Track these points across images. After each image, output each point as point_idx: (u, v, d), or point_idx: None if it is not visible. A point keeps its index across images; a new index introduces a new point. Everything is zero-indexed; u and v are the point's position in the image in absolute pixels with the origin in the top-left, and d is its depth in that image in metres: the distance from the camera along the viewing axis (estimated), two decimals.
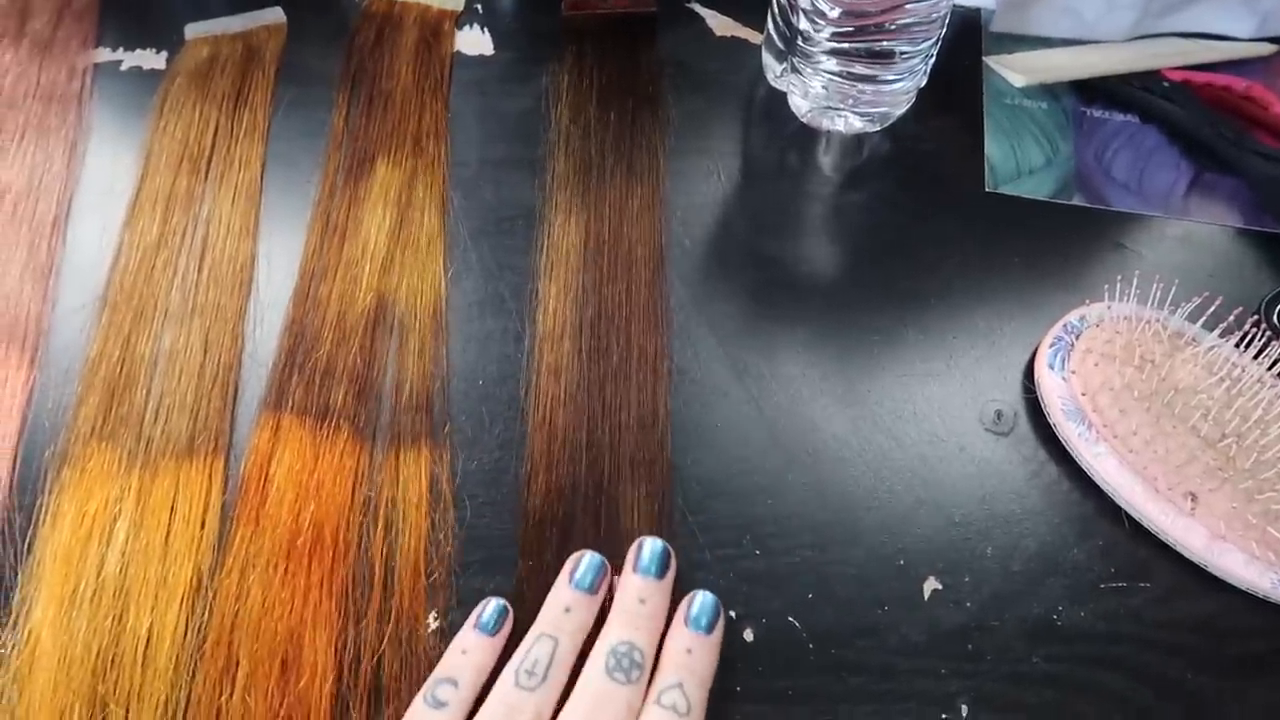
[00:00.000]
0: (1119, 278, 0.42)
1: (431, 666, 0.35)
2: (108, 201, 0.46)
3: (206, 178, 0.47)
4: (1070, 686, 0.36)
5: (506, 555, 0.38)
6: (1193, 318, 0.41)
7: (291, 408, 0.40)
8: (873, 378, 0.43)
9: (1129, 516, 0.39)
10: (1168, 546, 0.39)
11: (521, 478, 0.40)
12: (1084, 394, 0.40)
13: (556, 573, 0.36)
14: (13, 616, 0.36)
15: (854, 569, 0.38)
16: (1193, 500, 0.38)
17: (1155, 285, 0.42)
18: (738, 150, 0.50)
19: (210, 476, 0.39)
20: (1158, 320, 0.41)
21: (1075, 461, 0.41)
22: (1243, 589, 0.38)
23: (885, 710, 0.36)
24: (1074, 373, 0.41)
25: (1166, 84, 0.51)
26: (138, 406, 0.40)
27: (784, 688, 0.36)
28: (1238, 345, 0.40)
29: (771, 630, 0.37)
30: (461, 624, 0.36)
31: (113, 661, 0.35)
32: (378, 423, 0.41)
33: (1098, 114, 0.51)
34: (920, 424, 0.42)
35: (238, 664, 0.35)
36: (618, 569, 0.36)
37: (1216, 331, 0.41)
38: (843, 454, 0.41)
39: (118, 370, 0.41)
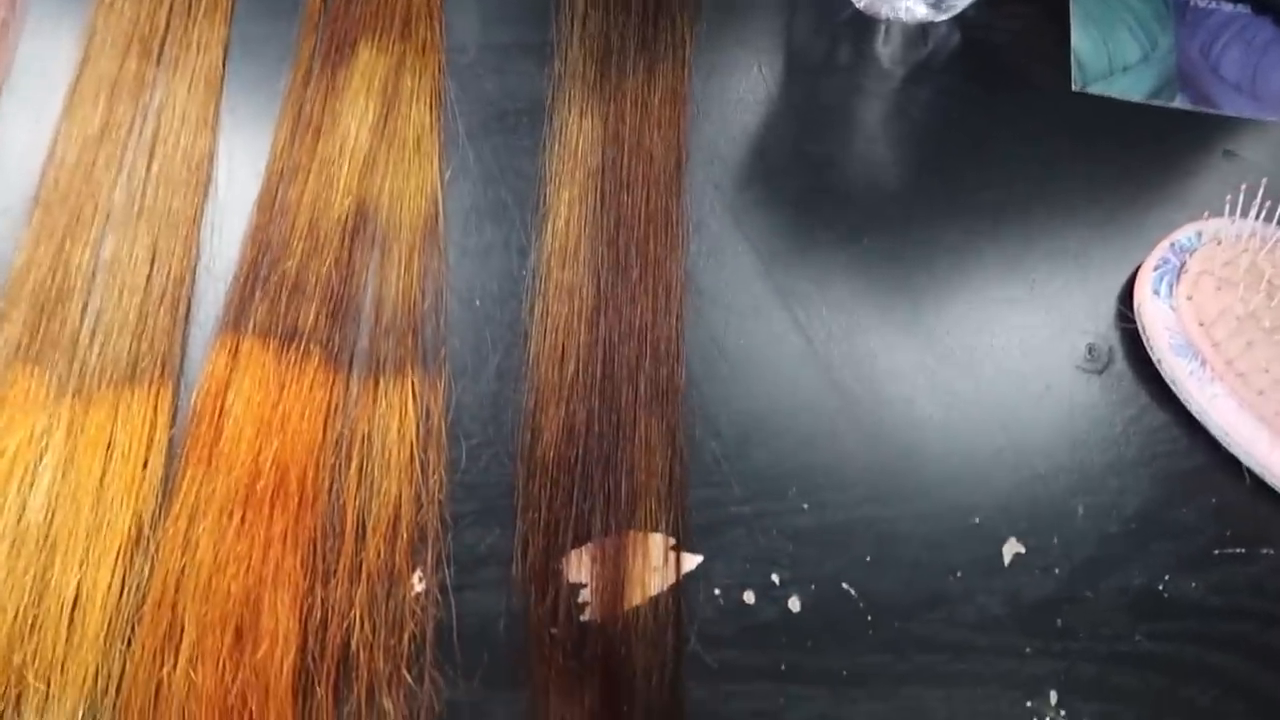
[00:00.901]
0: (1239, 189, 0.36)
1: (415, 634, 0.29)
2: (43, 89, 0.40)
3: (159, 62, 0.40)
4: (1178, 670, 0.31)
5: (504, 506, 0.32)
6: None
7: (253, 328, 0.34)
8: (942, 304, 0.37)
9: (1250, 471, 0.33)
10: None
11: (524, 414, 0.34)
12: (1199, 324, 0.34)
13: (561, 529, 0.30)
14: None
15: (921, 528, 0.32)
16: None
17: None
18: (782, 41, 0.43)
19: (155, 408, 0.33)
20: None
21: (1184, 405, 0.35)
22: None
23: (957, 695, 0.30)
24: (1188, 299, 0.34)
25: None
26: (71, 325, 0.34)
27: (837, 667, 0.30)
28: None
29: (822, 599, 0.31)
30: (452, 586, 0.30)
31: (33, 625, 0.30)
32: (355, 347, 0.35)
33: (1203, 3, 0.44)
34: (999, 359, 0.36)
35: (182, 630, 0.29)
36: (630, 521, 0.30)
37: None
38: (907, 393, 0.35)
39: (49, 282, 0.35)
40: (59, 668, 0.29)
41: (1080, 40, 0.43)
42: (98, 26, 0.41)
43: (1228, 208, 0.35)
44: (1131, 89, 0.42)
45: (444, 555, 0.31)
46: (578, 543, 0.31)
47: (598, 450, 0.33)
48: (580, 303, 0.36)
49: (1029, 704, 0.30)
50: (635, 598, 0.30)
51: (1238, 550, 0.32)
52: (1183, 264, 0.36)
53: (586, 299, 0.36)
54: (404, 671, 0.29)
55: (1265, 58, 0.43)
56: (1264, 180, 0.35)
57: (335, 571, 0.31)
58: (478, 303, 0.36)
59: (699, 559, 0.31)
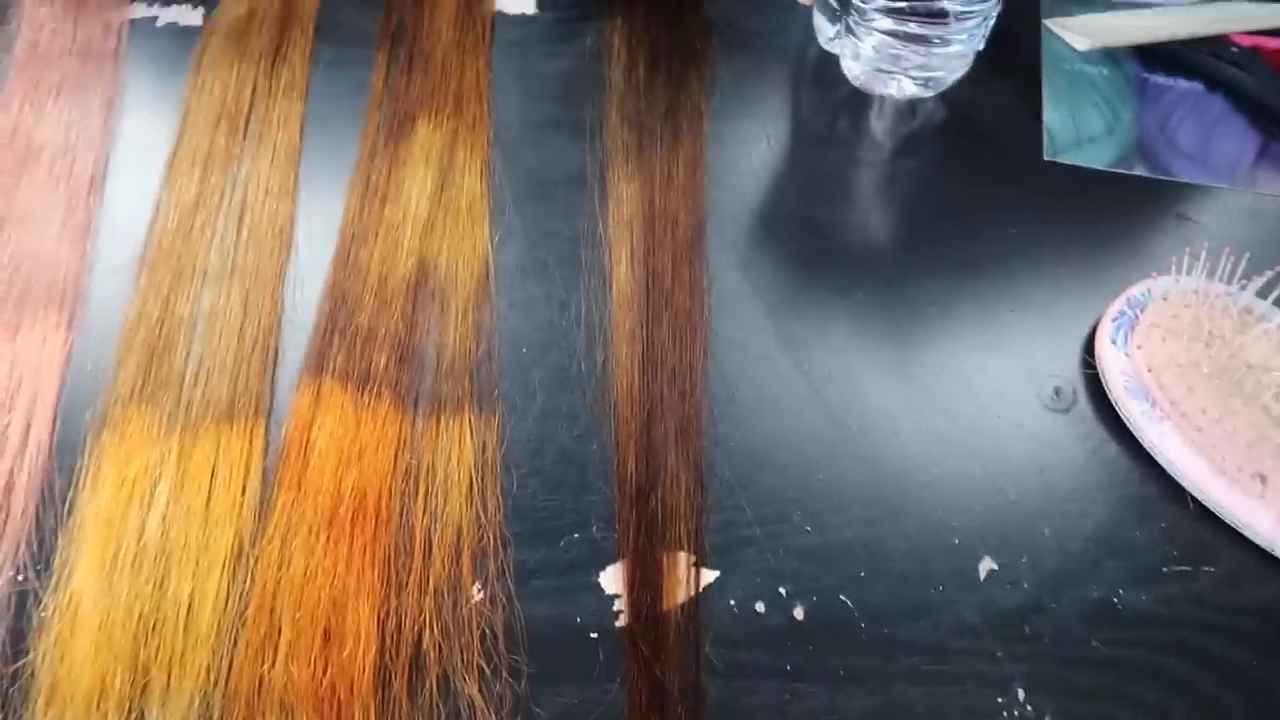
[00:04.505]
0: (1186, 251, 0.41)
1: (475, 638, 0.35)
2: (145, 160, 0.46)
3: (245, 137, 0.46)
4: (1130, 671, 0.35)
5: (550, 527, 0.37)
6: (1263, 293, 0.40)
7: (333, 372, 0.40)
8: (926, 350, 0.42)
9: (1193, 498, 0.38)
10: (1233, 530, 0.38)
11: (569, 447, 0.39)
12: (1149, 370, 0.39)
13: (601, 548, 0.35)
14: (54, 579, 0.35)
15: (907, 546, 0.37)
16: (1262, 481, 0.37)
17: (1225, 259, 0.40)
18: (787, 114, 0.48)
19: (251, 441, 0.38)
20: (1227, 295, 0.40)
21: (1137, 440, 0.39)
22: None
23: (939, 692, 0.35)
24: (1139, 348, 0.40)
25: (1235, 49, 0.49)
26: (177, 369, 0.40)
27: (835, 667, 0.35)
28: None
29: (823, 608, 0.36)
30: (507, 596, 0.36)
31: (154, 627, 0.35)
32: (420, 389, 0.40)
33: (1161, 80, 0.49)
34: (976, 399, 0.41)
35: (280, 632, 0.34)
36: (660, 543, 0.35)
37: None
38: (895, 428, 0.40)
39: (156, 332, 0.40)
40: (177, 662, 0.34)
41: (1051, 114, 0.48)
42: (190, 105, 0.47)
43: (1173, 267, 0.41)
44: (1096, 158, 0.47)
45: (500, 569, 0.36)
46: (614, 560, 0.37)
47: (634, 480, 0.38)
48: (630, 347, 0.41)
49: (999, 700, 0.35)
50: (663, 607, 0.36)
51: (1183, 568, 0.37)
52: (1136, 317, 0.41)
53: (636, 344, 0.41)
54: (472, 662, 0.34)
55: (1215, 130, 0.48)
56: (1205, 244, 0.41)
57: (407, 584, 0.36)
58: (524, 350, 0.41)
59: (716, 574, 0.37)
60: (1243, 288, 0.40)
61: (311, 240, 0.44)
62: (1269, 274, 0.40)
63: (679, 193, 0.45)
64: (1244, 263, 0.40)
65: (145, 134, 0.47)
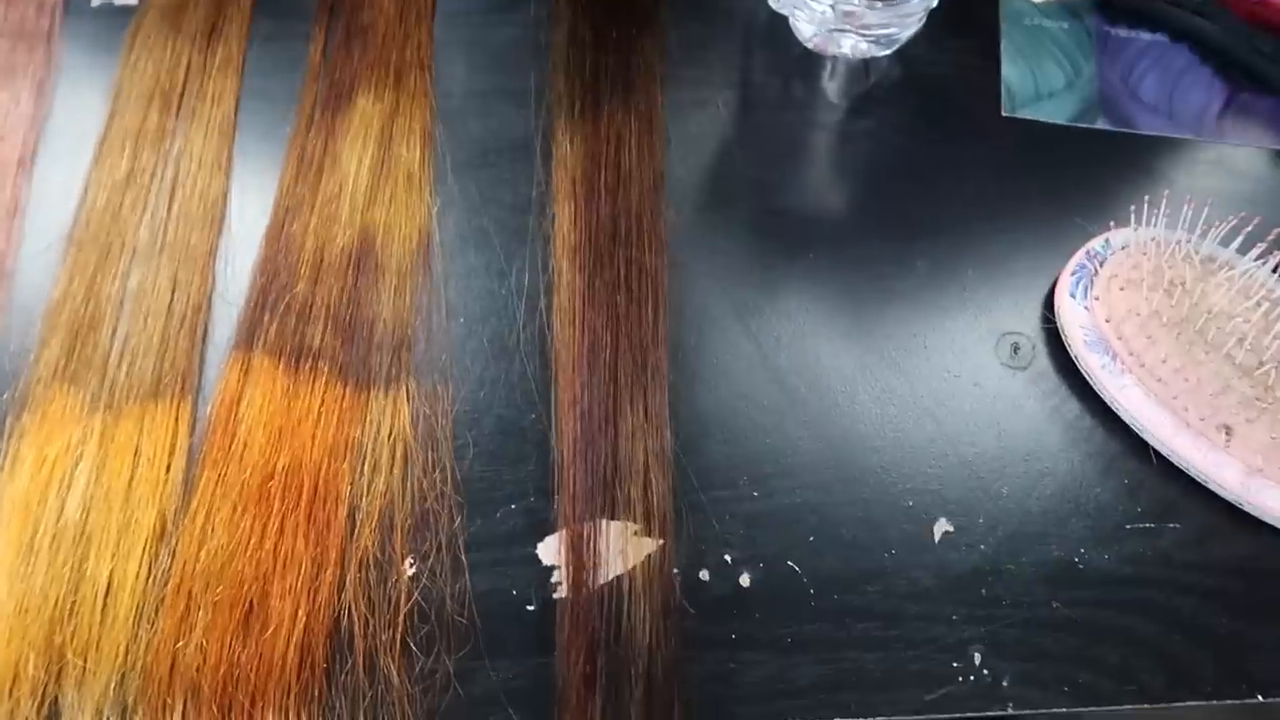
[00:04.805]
0: (1146, 199, 0.39)
1: (406, 613, 0.33)
2: (77, 141, 0.44)
3: (178, 114, 0.45)
4: (1094, 633, 0.34)
5: (487, 498, 0.36)
6: (1225, 243, 0.38)
7: (263, 347, 0.38)
8: (881, 311, 0.40)
9: (1157, 453, 0.37)
10: (1199, 485, 0.36)
11: (510, 418, 0.38)
12: (1107, 321, 0.37)
13: (539, 518, 0.34)
14: None
15: (859, 511, 0.36)
16: (1227, 433, 0.36)
17: (1186, 208, 0.39)
18: (738, 78, 0.47)
19: (176, 419, 0.37)
20: (1188, 243, 0.38)
21: (1098, 396, 0.38)
22: None
23: (892, 658, 0.33)
24: (1097, 299, 0.38)
25: None
26: (102, 348, 0.39)
27: (783, 634, 0.34)
28: (1275, 269, 0.37)
29: (770, 575, 0.35)
30: (441, 570, 0.34)
31: (71, 610, 0.33)
32: (357, 362, 0.39)
33: (1123, 33, 0.48)
34: (932, 358, 0.39)
35: (197, 610, 0.33)
36: (600, 510, 0.34)
37: (1253, 254, 0.38)
38: (848, 390, 0.38)
39: (82, 311, 0.39)
40: (94, 647, 0.33)
41: (1010, 70, 0.47)
42: (123, 83, 0.46)
43: (1133, 218, 0.39)
44: (1057, 113, 0.46)
45: (436, 542, 0.35)
46: (552, 531, 0.35)
47: (575, 449, 0.36)
48: (572, 315, 0.39)
49: (955, 664, 0.33)
50: (603, 577, 0.34)
51: (1147, 525, 0.36)
52: (1096, 270, 0.39)
53: (580, 312, 0.39)
54: (400, 641, 0.33)
55: (1181, 81, 0.47)
56: (1165, 192, 0.39)
57: (338, 560, 0.35)
58: (462, 320, 0.40)
59: (659, 542, 0.35)
60: (1205, 236, 0.38)
61: (245, 216, 0.42)
62: (1231, 221, 0.38)
63: (632, 154, 0.44)
64: (1207, 212, 0.38)
65: (78, 115, 0.45)
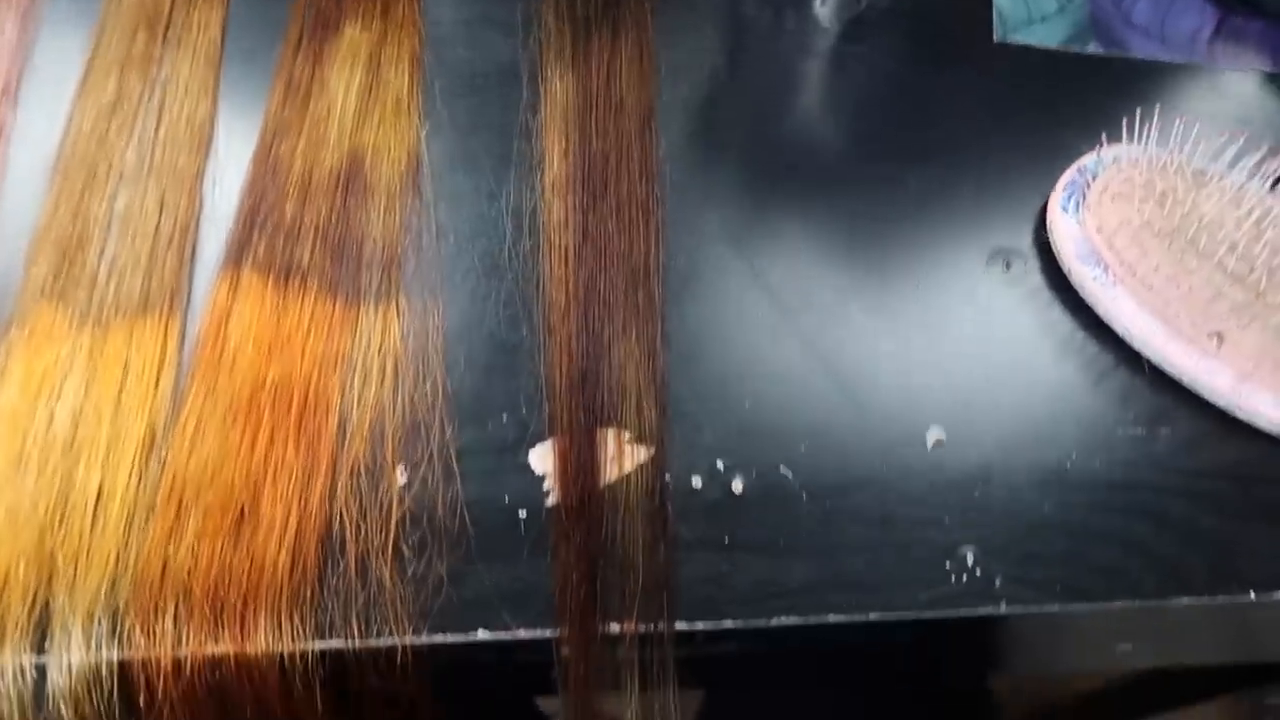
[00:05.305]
0: (1139, 112, 0.39)
1: (397, 520, 0.33)
2: (62, 69, 0.44)
3: (164, 41, 0.44)
4: (1085, 535, 0.34)
5: (478, 410, 0.36)
6: (1216, 159, 0.38)
7: (252, 264, 0.38)
8: (873, 230, 0.40)
9: (1149, 362, 0.37)
10: (1190, 392, 0.36)
11: (502, 332, 0.37)
12: (1099, 231, 0.37)
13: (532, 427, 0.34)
14: None
15: (851, 420, 0.36)
16: (1219, 340, 0.36)
17: (1177, 124, 0.39)
18: (729, 5, 0.47)
19: (165, 334, 0.37)
20: (1180, 157, 0.38)
21: (1091, 309, 0.38)
22: (1271, 432, 0.35)
23: (884, 560, 0.33)
24: (1089, 211, 0.38)
25: None
26: (90, 267, 0.38)
27: (775, 538, 0.34)
28: (1266, 181, 0.37)
29: (763, 481, 0.35)
30: (432, 478, 0.34)
31: (62, 518, 0.33)
32: (346, 279, 0.38)
33: None
34: (925, 275, 0.39)
35: (189, 515, 0.33)
36: (593, 420, 0.34)
37: (1243, 167, 0.38)
38: (841, 306, 0.38)
39: (69, 231, 0.39)
40: (85, 553, 0.33)
41: None
42: (109, 10, 0.45)
43: (1124, 133, 0.39)
44: (1048, 37, 0.45)
45: (427, 451, 0.35)
46: (543, 440, 0.35)
47: (566, 360, 0.36)
48: (562, 235, 0.39)
49: (947, 565, 0.33)
50: (594, 484, 0.34)
51: (1139, 431, 0.36)
52: (1088, 184, 0.39)
53: (570, 231, 0.39)
54: (392, 545, 0.33)
55: (1173, 5, 0.46)
56: (1157, 107, 0.39)
57: (329, 468, 0.34)
58: (452, 239, 0.40)
59: (650, 450, 0.35)
60: (1196, 151, 0.38)
61: (231, 140, 0.42)
62: (1223, 137, 0.38)
63: (622, 82, 0.43)
64: (1198, 129, 0.38)
65: (64, 42, 0.45)
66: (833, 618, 0.32)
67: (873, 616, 0.32)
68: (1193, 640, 0.43)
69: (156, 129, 0.42)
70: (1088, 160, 0.40)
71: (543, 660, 0.33)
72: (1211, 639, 0.43)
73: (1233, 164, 0.38)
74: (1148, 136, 0.39)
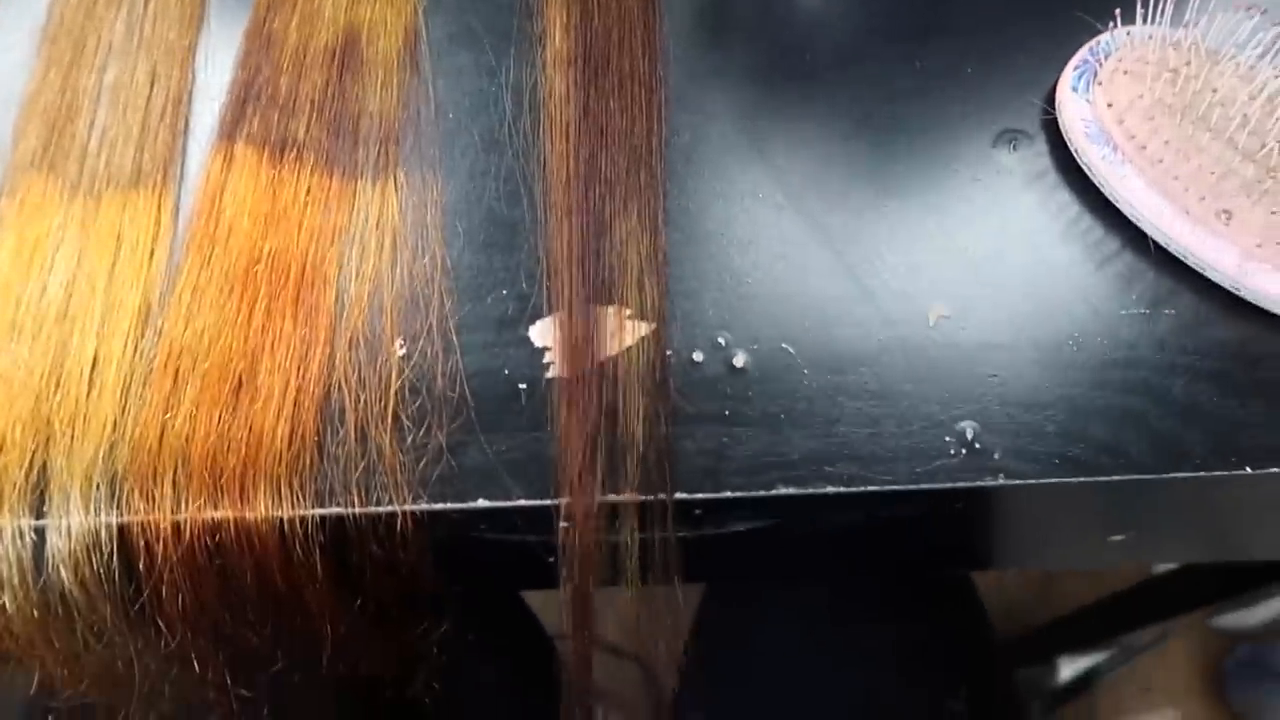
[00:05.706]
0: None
1: (396, 390, 0.33)
2: None
3: None
4: (1086, 411, 0.34)
5: (478, 284, 0.36)
6: (1230, 39, 0.37)
7: (246, 138, 0.37)
8: (880, 109, 0.39)
9: (1155, 244, 0.36)
10: (1196, 274, 0.36)
11: (502, 209, 0.37)
12: (1110, 106, 0.37)
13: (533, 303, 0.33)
14: None
15: (855, 295, 0.36)
16: (1227, 218, 0.35)
17: (1192, 3, 0.37)
18: None
19: (159, 207, 0.36)
20: (1194, 34, 0.37)
21: (1098, 190, 0.37)
22: (1275, 311, 0.35)
23: (884, 433, 0.33)
24: (1100, 87, 0.37)
25: None
26: (80, 139, 0.38)
27: (776, 412, 0.34)
28: None
29: (764, 355, 0.34)
30: (431, 350, 0.34)
31: (58, 384, 0.33)
32: (343, 154, 0.38)
33: None
34: (931, 154, 0.38)
35: (186, 384, 0.33)
36: (594, 297, 0.34)
37: (1258, 46, 0.37)
38: (847, 184, 0.38)
39: (58, 102, 0.38)
40: (82, 418, 0.32)
41: None
42: None
43: (1139, 13, 0.38)
44: None
45: (426, 324, 0.35)
46: (544, 315, 0.35)
47: (568, 234, 0.36)
48: (563, 111, 0.38)
49: (947, 439, 0.33)
50: (595, 357, 0.34)
51: (1143, 311, 0.35)
52: (1100, 64, 0.38)
53: (571, 107, 0.38)
54: (391, 414, 0.33)
55: None
56: None
57: (327, 339, 0.34)
58: (451, 115, 0.39)
59: (651, 325, 0.35)
60: (1211, 30, 0.37)
61: (224, 16, 0.41)
62: (1238, 12, 0.37)
63: None
64: (1211, 6, 0.37)
65: None
66: (831, 489, 0.33)
67: (871, 488, 0.33)
68: (1183, 533, 0.43)
69: (146, 3, 0.41)
70: (1100, 40, 0.39)
71: (542, 540, 0.33)
72: (1201, 534, 0.44)
73: (1247, 43, 0.37)
74: (1162, 15, 0.38)
